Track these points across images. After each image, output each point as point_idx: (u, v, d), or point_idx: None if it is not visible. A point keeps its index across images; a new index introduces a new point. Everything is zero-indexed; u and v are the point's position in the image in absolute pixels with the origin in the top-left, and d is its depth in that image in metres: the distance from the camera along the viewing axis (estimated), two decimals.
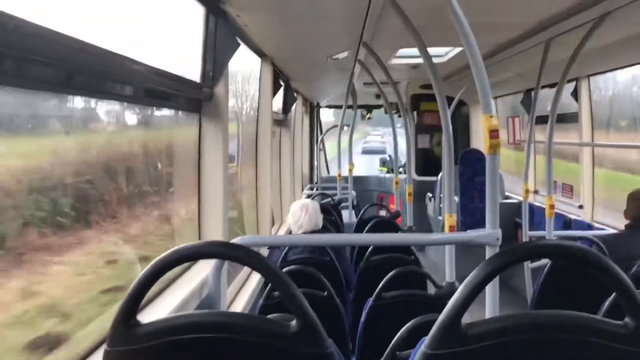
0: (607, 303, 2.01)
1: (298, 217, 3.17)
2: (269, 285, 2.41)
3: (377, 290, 2.39)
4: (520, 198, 4.47)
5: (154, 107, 2.11)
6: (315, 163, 8.89)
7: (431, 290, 2.62)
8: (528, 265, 3.96)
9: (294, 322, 0.99)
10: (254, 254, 1.04)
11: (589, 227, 4.48)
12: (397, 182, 5.38)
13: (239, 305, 2.79)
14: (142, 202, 2.16)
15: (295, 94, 5.46)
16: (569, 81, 4.24)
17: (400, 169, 7.15)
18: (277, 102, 4.65)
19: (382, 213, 6.10)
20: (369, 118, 9.25)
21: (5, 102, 1.14)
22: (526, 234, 3.92)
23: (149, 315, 1.57)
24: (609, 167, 4.72)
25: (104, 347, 1.01)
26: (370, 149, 28.13)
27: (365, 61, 4.30)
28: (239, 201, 3.92)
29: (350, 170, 6.23)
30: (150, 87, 1.74)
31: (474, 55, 1.82)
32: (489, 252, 1.91)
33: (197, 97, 2.25)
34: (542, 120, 4.44)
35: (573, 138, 4.79)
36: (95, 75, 1.37)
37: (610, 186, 4.63)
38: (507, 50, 3.87)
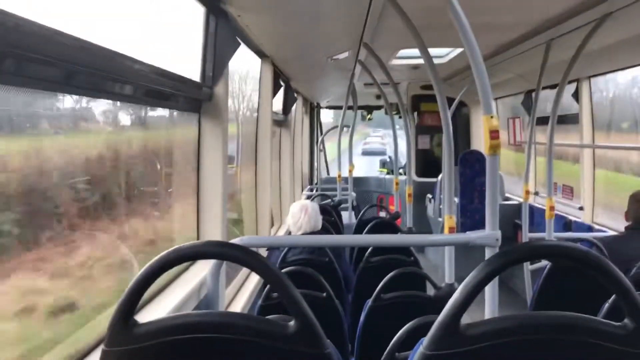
0: (606, 305, 2.00)
1: (297, 218, 3.17)
2: (268, 286, 2.40)
3: (377, 291, 2.38)
4: (520, 199, 4.46)
5: (148, 107, 2.08)
6: (315, 164, 8.89)
7: (430, 291, 2.62)
8: (528, 266, 3.96)
9: (292, 323, 0.99)
10: (253, 254, 1.03)
11: (589, 228, 4.47)
12: (397, 183, 5.38)
13: (238, 306, 2.79)
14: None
15: (295, 95, 5.46)
16: (570, 82, 4.23)
17: (400, 170, 7.15)
18: (277, 102, 4.65)
19: (382, 214, 6.10)
20: (369, 119, 9.24)
21: None
22: (526, 235, 3.92)
23: (147, 316, 1.57)
24: (609, 168, 4.72)
25: (101, 347, 1.00)
26: (370, 150, 28.08)
27: (366, 61, 4.30)
28: (238, 202, 3.92)
29: (350, 171, 6.24)
30: (149, 87, 1.74)
31: (475, 56, 1.82)
32: (488, 254, 1.91)
33: (197, 97, 2.24)
34: (542, 121, 4.44)
35: (574, 139, 4.79)
36: (95, 74, 1.36)
37: (610, 188, 4.63)
38: (508, 51, 3.87)
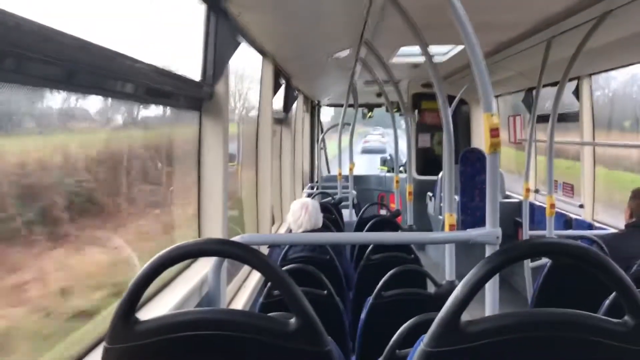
0: (607, 302, 2.01)
1: (298, 215, 3.17)
2: (269, 283, 2.41)
3: (377, 288, 2.39)
4: (521, 197, 4.46)
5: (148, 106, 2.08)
6: (316, 162, 8.90)
7: (431, 289, 2.62)
8: (528, 264, 3.96)
9: (293, 320, 0.99)
10: (254, 252, 1.04)
11: (590, 226, 4.47)
12: (397, 181, 5.39)
13: (239, 304, 2.79)
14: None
15: (296, 93, 5.46)
16: (571, 80, 4.23)
17: (401, 168, 7.15)
18: (278, 100, 4.65)
19: (383, 212, 6.12)
20: (370, 117, 9.24)
21: None
22: (526, 233, 3.92)
23: (148, 313, 1.58)
24: (610, 165, 4.72)
25: (103, 344, 1.01)
26: (370, 148, 27.77)
27: (366, 60, 4.30)
28: (239, 200, 3.92)
29: (350, 170, 6.24)
30: (150, 86, 1.74)
31: (475, 54, 1.82)
32: (488, 251, 1.91)
33: (198, 96, 2.24)
34: (543, 119, 4.44)
35: (574, 137, 4.79)
36: (96, 74, 1.37)
37: (610, 185, 4.63)
38: (509, 48, 3.87)
